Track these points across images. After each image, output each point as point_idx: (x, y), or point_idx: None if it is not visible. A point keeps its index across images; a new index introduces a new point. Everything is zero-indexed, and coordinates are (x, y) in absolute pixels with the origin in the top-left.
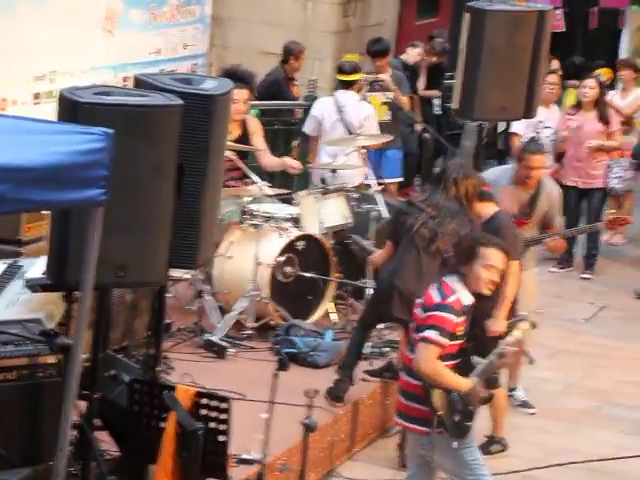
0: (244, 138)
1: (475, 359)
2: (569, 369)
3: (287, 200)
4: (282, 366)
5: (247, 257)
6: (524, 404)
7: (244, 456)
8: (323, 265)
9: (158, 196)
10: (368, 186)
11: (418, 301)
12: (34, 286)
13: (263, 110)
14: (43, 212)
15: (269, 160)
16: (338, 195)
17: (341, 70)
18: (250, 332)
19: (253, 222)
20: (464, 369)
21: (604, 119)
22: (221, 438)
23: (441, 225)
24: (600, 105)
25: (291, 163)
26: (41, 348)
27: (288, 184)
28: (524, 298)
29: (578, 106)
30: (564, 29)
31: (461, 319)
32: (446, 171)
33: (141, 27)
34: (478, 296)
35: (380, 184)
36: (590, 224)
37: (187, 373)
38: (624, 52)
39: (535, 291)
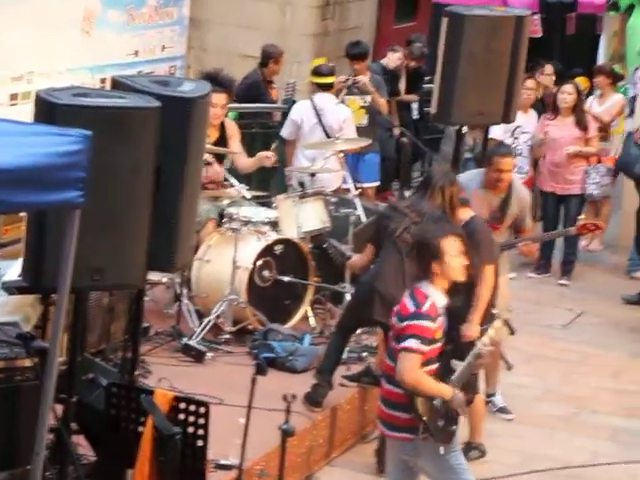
0: (222, 141)
1: (454, 362)
2: (546, 375)
3: (265, 203)
4: (260, 371)
5: (225, 261)
6: (502, 410)
7: (222, 461)
8: (301, 269)
9: (136, 198)
10: (346, 190)
11: (394, 309)
12: (10, 288)
13: (241, 113)
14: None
15: (244, 162)
16: (316, 199)
17: (318, 73)
18: (228, 336)
19: (231, 226)
20: (444, 373)
21: (582, 125)
22: (199, 443)
23: None
24: (578, 111)
25: (265, 154)
26: (18, 351)
27: (265, 187)
28: (498, 302)
29: (556, 112)
30: (541, 34)
31: (438, 323)
32: (431, 178)
33: (119, 28)
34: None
35: (357, 188)
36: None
37: (164, 377)
38: (602, 58)
39: (508, 292)
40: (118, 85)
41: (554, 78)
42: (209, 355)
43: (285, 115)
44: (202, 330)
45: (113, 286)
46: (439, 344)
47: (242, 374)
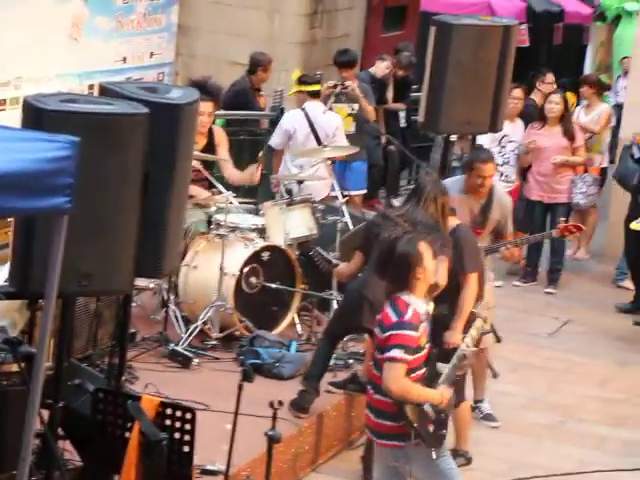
0: (210, 148)
1: (439, 365)
2: (532, 383)
3: (253, 210)
4: (247, 377)
5: (212, 267)
6: (488, 417)
7: (208, 467)
8: (288, 276)
9: (124, 204)
10: (334, 198)
11: (377, 318)
12: None
13: (229, 120)
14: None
15: (233, 173)
16: (303, 206)
17: (305, 82)
18: (215, 342)
19: (219, 232)
20: (431, 377)
21: (569, 134)
22: (185, 449)
23: None
24: (565, 121)
25: (253, 172)
26: (4, 356)
27: (252, 194)
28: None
29: (543, 121)
30: (528, 44)
31: (421, 330)
32: (423, 187)
33: (107, 35)
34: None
35: (344, 196)
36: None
37: (151, 383)
38: (589, 68)
39: (492, 292)
40: (106, 92)
41: (555, 87)
42: (196, 361)
43: (273, 123)
44: (189, 336)
45: (100, 292)
46: (424, 351)
47: (229, 380)
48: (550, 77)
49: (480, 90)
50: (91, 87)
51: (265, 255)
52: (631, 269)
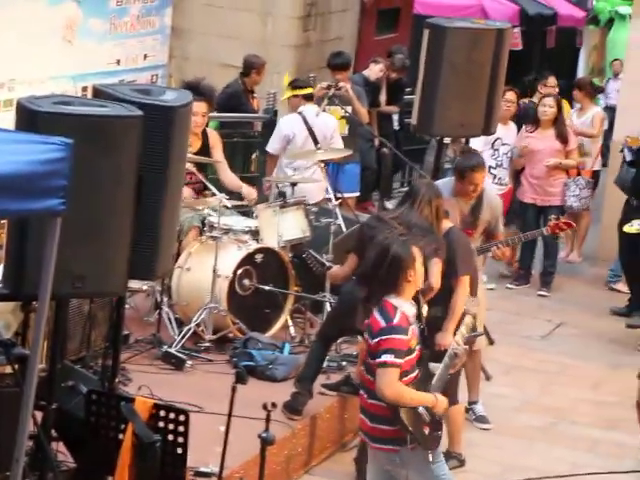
0: (204, 150)
1: (432, 365)
2: (525, 386)
3: (246, 212)
4: (240, 379)
5: (205, 269)
6: (481, 419)
7: (202, 469)
8: (282, 278)
9: (117, 206)
10: (328, 200)
11: (365, 322)
12: None
13: (222, 122)
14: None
15: (227, 176)
16: (297, 209)
17: (298, 86)
18: (208, 344)
19: (212, 234)
20: (424, 378)
21: (562, 137)
22: (179, 450)
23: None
24: (558, 124)
25: (250, 193)
26: None
27: None
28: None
29: (536, 124)
30: (521, 47)
31: (411, 333)
32: (417, 190)
33: (101, 37)
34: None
35: (337, 198)
36: (546, 239)
37: (144, 385)
38: (582, 71)
39: (485, 294)
40: (100, 94)
41: (557, 90)
42: (189, 363)
43: (266, 125)
44: (182, 338)
45: (94, 293)
46: (415, 353)
47: (222, 382)
48: (552, 80)
49: (473, 93)
50: (85, 89)
51: (258, 257)
52: (625, 272)
